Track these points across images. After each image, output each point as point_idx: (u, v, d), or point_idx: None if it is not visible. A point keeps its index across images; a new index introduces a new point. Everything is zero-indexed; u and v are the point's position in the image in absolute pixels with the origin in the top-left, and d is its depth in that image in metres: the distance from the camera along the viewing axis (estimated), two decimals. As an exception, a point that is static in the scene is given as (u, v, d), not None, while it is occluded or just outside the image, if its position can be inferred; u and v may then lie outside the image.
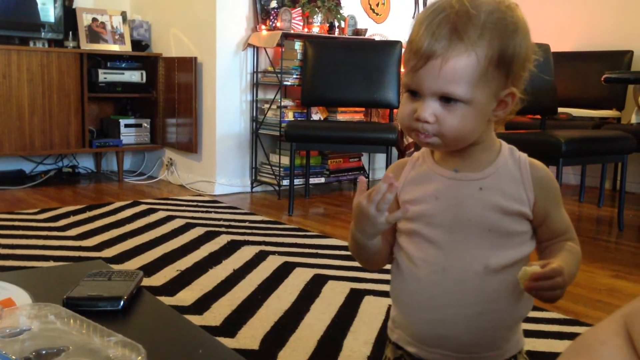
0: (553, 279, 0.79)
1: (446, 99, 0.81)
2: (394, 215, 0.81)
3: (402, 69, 4.04)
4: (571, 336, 1.78)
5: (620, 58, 4.26)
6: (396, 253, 0.91)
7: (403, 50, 3.95)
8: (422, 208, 0.87)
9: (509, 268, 0.86)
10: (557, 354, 0.57)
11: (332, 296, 2.08)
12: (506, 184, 0.87)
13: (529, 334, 1.81)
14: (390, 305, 0.94)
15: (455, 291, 0.85)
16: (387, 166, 3.29)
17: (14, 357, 0.58)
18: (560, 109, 3.65)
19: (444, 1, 0.81)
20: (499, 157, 0.89)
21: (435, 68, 0.79)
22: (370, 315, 1.93)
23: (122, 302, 0.90)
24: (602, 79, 3.00)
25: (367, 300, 2.06)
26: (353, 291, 2.14)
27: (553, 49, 3.50)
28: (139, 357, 0.60)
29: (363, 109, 4.18)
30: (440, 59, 0.79)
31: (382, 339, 1.74)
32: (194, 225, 3.00)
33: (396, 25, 4.71)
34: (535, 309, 2.00)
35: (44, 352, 0.59)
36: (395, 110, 3.85)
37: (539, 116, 3.66)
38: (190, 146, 4.07)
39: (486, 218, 0.85)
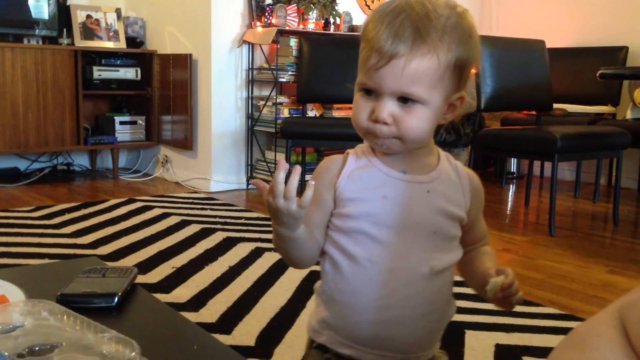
0: (514, 282, 0.83)
1: (404, 100, 0.81)
2: (304, 198, 0.78)
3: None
4: (567, 331, 1.78)
5: (616, 54, 4.27)
6: (331, 252, 0.88)
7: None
8: (368, 207, 0.86)
9: (447, 271, 0.88)
10: (552, 349, 0.57)
11: (328, 292, 2.08)
12: (448, 189, 0.89)
13: (524, 329, 1.81)
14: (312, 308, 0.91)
15: (402, 292, 0.85)
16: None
17: (6, 353, 0.57)
18: (555, 105, 3.66)
19: (402, 2, 0.81)
20: (440, 162, 0.90)
21: (398, 68, 0.79)
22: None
23: (116, 299, 0.89)
24: (597, 75, 3.00)
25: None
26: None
27: (548, 45, 3.51)
28: (133, 353, 0.60)
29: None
30: (404, 59, 0.79)
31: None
32: (189, 223, 2.99)
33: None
34: (531, 304, 2.01)
35: (37, 348, 0.59)
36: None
37: (534, 112, 3.67)
38: (186, 143, 4.06)
39: (433, 221, 0.86)
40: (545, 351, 1.67)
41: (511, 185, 4.44)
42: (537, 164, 4.54)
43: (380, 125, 0.82)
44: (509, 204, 3.94)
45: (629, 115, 3.99)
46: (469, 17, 0.84)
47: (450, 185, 0.89)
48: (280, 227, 0.82)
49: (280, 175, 0.77)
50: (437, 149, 0.91)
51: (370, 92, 0.83)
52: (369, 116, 0.83)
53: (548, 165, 4.41)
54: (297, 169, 0.79)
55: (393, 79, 0.79)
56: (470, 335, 1.75)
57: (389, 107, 0.81)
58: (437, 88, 0.81)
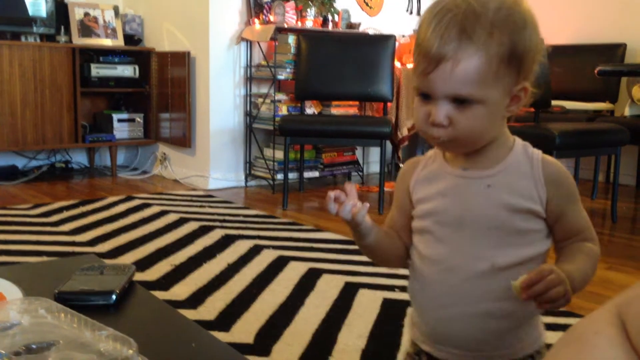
0: (545, 279, 0.76)
1: (459, 101, 0.80)
2: (357, 215, 0.84)
3: (397, 64, 4.04)
4: (565, 328, 1.78)
5: (614, 51, 4.27)
6: (411, 252, 0.92)
7: (397, 44, 3.94)
8: (431, 206, 0.88)
9: (519, 266, 0.84)
10: (550, 346, 0.57)
11: (327, 290, 2.08)
12: (516, 180, 0.86)
13: (523, 326, 1.81)
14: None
15: (461, 289, 0.85)
16: (381, 159, 3.29)
17: (3, 351, 0.57)
18: (554, 102, 3.66)
19: (449, 0, 0.80)
20: (510, 154, 0.87)
21: (446, 71, 0.78)
22: (365, 308, 1.93)
23: (114, 296, 0.89)
24: (596, 72, 3.00)
25: (362, 293, 2.06)
26: (348, 285, 2.13)
27: (547, 42, 3.49)
28: (130, 351, 0.60)
29: (357, 103, 4.17)
30: (451, 62, 0.78)
31: (376, 332, 1.75)
32: (187, 220, 2.99)
33: (389, 18, 4.70)
34: (529, 301, 2.01)
35: (34, 346, 0.59)
36: (389, 104, 3.84)
37: (532, 109, 3.66)
38: (184, 141, 4.06)
39: (493, 216, 0.84)
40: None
41: (510, 183, 4.43)
42: (535, 161, 4.53)
43: (437, 128, 0.82)
44: (508, 201, 3.94)
45: (627, 112, 3.99)
46: (523, 4, 0.82)
47: (519, 177, 0.86)
48: (354, 237, 0.89)
49: (349, 204, 0.83)
50: (513, 140, 0.89)
51: (427, 96, 0.82)
52: (426, 120, 0.82)
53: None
54: (366, 206, 0.84)
55: (443, 83, 0.79)
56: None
57: (444, 110, 0.80)
58: (492, 84, 0.80)
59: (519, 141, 0.90)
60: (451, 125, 0.81)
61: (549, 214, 0.86)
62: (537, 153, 0.89)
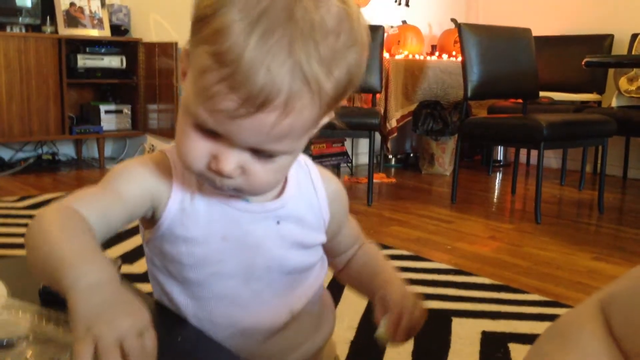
0: (402, 312, 0.70)
1: (260, 151, 0.59)
2: None
3: (386, 55, 4.03)
4: (552, 318, 1.80)
5: (601, 42, 4.29)
6: (159, 288, 0.72)
7: (385, 35, 3.93)
8: (205, 251, 0.67)
9: (309, 304, 0.74)
10: (538, 336, 0.58)
11: (316, 281, 2.08)
12: (303, 209, 0.71)
13: (510, 316, 1.83)
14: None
15: (261, 349, 0.71)
16: (370, 151, 3.29)
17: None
18: (541, 93, 3.67)
19: (279, 3, 0.54)
20: (289, 176, 0.71)
21: (267, 124, 0.55)
22: (354, 300, 1.93)
23: (100, 291, 0.89)
24: (583, 63, 3.01)
25: (350, 285, 2.06)
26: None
27: (534, 34, 3.51)
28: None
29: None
30: (277, 113, 0.54)
31: (365, 323, 1.75)
32: (176, 212, 2.98)
33: (378, 8, 4.69)
34: (516, 291, 2.02)
35: (4, 342, 0.58)
36: (378, 95, 3.83)
37: (520, 100, 3.68)
38: (172, 132, 4.01)
39: (286, 260, 0.70)
40: (531, 338, 1.69)
41: (498, 174, 4.46)
42: (523, 152, 4.56)
43: (221, 178, 0.60)
44: (496, 192, 3.96)
45: (614, 103, 4.01)
46: (362, 19, 0.60)
47: (305, 205, 0.71)
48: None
49: None
50: None
51: (215, 133, 0.58)
52: (206, 162, 0.60)
53: (534, 153, 4.43)
54: None
55: (255, 135, 0.56)
56: (456, 323, 1.76)
57: (238, 159, 0.59)
58: (308, 132, 0.61)
59: None
60: (242, 175, 0.60)
61: (329, 234, 0.75)
62: (313, 167, 0.75)
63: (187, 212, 0.67)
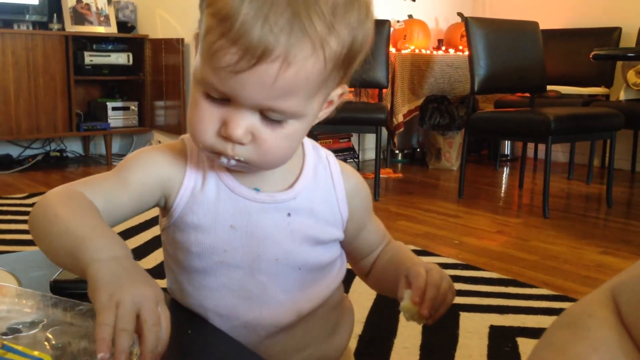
0: (428, 280, 0.65)
1: (269, 113, 0.59)
2: None
3: (392, 50, 4.02)
4: (560, 312, 1.79)
5: (609, 35, 4.26)
6: (180, 281, 0.71)
7: (392, 29, 3.92)
8: (213, 240, 0.66)
9: (320, 309, 0.72)
10: (546, 330, 0.57)
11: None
12: (318, 203, 0.69)
13: (518, 310, 1.82)
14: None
15: (262, 345, 0.69)
16: (376, 146, 3.29)
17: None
18: (549, 87, 3.66)
19: None
20: (305, 162, 0.70)
21: (269, 76, 0.54)
22: (361, 294, 1.94)
23: (110, 285, 0.89)
24: (591, 56, 2.99)
25: (358, 280, 2.06)
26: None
27: (542, 27, 3.50)
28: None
29: (352, 89, 4.16)
30: (278, 63, 0.54)
31: (372, 318, 1.75)
32: (183, 208, 2.98)
33: (384, 3, 4.67)
34: (524, 285, 2.02)
35: (19, 326, 0.58)
36: (384, 90, 3.83)
37: (528, 94, 3.66)
38: (179, 128, 4.05)
39: (296, 254, 0.68)
40: (539, 332, 1.68)
41: (505, 168, 4.45)
42: (530, 146, 4.54)
43: (232, 145, 0.60)
44: (503, 186, 3.95)
45: (622, 96, 3.99)
46: None
47: (321, 196, 0.69)
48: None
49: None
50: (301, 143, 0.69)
51: (223, 98, 0.59)
52: (216, 129, 0.60)
53: (542, 147, 4.41)
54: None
55: (258, 90, 0.56)
56: (464, 317, 1.76)
57: (247, 123, 0.58)
58: (317, 94, 0.60)
59: (307, 143, 0.72)
60: (252, 143, 0.60)
61: (348, 233, 0.73)
62: (332, 159, 0.73)
63: (197, 199, 0.67)
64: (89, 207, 0.61)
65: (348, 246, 0.75)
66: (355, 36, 0.59)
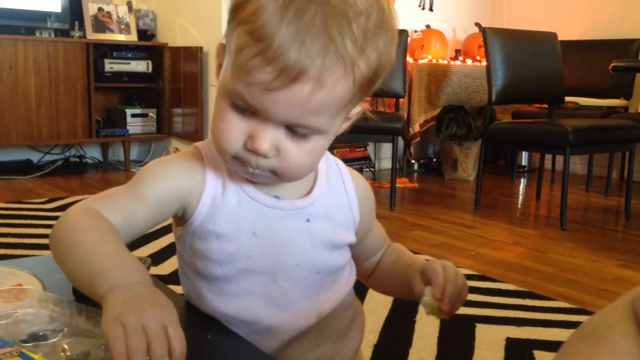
0: (445, 277, 0.67)
1: (295, 128, 0.60)
2: None
3: (409, 60, 4.02)
4: (577, 325, 1.78)
5: (628, 47, 4.23)
6: (197, 288, 0.71)
7: (409, 39, 3.93)
8: (235, 247, 0.67)
9: (337, 309, 0.73)
10: (563, 343, 0.57)
11: (339, 285, 2.08)
12: (334, 207, 0.71)
13: (535, 322, 1.81)
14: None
15: (281, 349, 0.70)
16: (393, 156, 3.29)
17: (8, 339, 0.58)
18: (567, 98, 3.64)
19: None
20: (319, 169, 0.72)
21: (303, 95, 0.56)
22: (377, 303, 1.93)
23: (130, 289, 0.90)
24: (610, 68, 2.98)
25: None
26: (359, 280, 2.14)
27: (560, 38, 3.48)
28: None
29: (369, 99, 4.16)
30: (311, 84, 0.56)
31: (388, 327, 1.75)
32: (200, 215, 3.00)
33: (401, 13, 4.68)
34: (541, 297, 2.00)
35: (40, 333, 0.59)
36: (401, 100, 3.83)
37: (546, 105, 3.64)
38: (197, 136, 4.08)
39: (316, 259, 0.69)
40: (556, 345, 1.67)
41: (522, 179, 4.42)
42: (548, 157, 4.52)
43: (256, 157, 0.61)
44: (520, 197, 3.92)
45: (641, 108, 3.95)
46: (392, 7, 0.63)
47: (335, 202, 0.72)
48: None
49: None
50: None
51: (253, 111, 0.60)
52: (241, 141, 0.61)
53: (559, 159, 4.39)
54: None
55: (290, 108, 0.58)
56: (480, 329, 1.75)
57: (273, 137, 0.60)
58: (342, 112, 0.62)
59: None
60: (277, 156, 0.61)
61: (358, 235, 0.75)
62: (343, 167, 0.75)
63: (218, 207, 0.67)
64: (107, 231, 0.62)
65: (355, 249, 0.77)
66: (381, 59, 0.61)
